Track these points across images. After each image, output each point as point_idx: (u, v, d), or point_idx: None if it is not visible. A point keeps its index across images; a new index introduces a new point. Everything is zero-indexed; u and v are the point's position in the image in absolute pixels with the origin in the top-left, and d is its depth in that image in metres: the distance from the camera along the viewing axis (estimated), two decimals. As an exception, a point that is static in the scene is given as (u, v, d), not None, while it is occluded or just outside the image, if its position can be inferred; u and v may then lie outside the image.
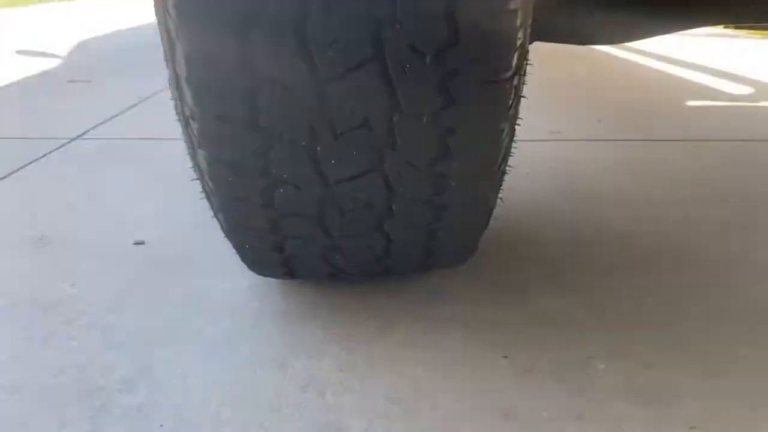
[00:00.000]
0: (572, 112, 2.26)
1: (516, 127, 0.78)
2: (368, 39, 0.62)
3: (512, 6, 0.62)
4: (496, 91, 0.67)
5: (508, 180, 0.88)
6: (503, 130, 0.71)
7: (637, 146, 1.83)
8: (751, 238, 1.21)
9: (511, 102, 0.70)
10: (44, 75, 2.96)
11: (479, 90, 0.66)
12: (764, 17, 0.99)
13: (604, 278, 1.06)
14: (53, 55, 3.52)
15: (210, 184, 0.75)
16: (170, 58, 0.69)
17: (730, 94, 2.61)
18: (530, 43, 0.90)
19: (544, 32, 0.97)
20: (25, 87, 2.69)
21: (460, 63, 0.63)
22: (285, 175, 0.71)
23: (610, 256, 1.14)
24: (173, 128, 0.88)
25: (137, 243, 1.21)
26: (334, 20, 0.61)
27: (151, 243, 1.21)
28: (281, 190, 0.72)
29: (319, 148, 0.68)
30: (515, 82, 0.68)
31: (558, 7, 0.93)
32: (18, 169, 1.60)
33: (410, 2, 0.60)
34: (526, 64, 0.73)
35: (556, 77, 2.90)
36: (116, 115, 2.16)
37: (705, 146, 1.83)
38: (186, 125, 0.72)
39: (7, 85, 2.70)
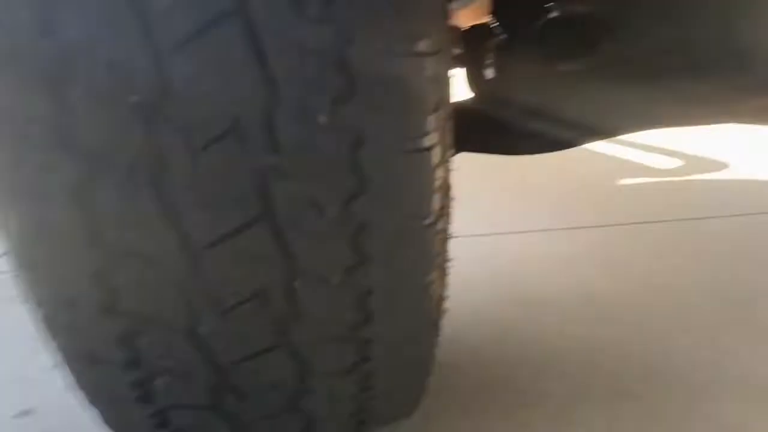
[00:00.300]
0: (488, 200, 2.17)
1: (447, 270, 0.65)
2: (251, 194, 0.49)
3: (426, 143, 0.50)
4: (416, 240, 0.55)
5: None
6: (431, 282, 0.58)
7: (570, 235, 1.74)
8: (719, 343, 1.11)
9: (436, 248, 0.57)
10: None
11: (396, 242, 0.53)
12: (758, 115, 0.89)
13: (566, 410, 0.92)
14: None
15: (73, 377, 0.59)
16: (4, 230, 0.54)
17: (661, 169, 2.60)
18: (456, 153, 0.80)
19: (471, 144, 0.87)
20: None
21: (370, 215, 0.51)
22: (161, 364, 0.56)
23: (572, 381, 1.00)
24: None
25: (23, 413, 1.02)
26: (202, 175, 0.47)
27: (39, 412, 1.01)
28: (160, 382, 0.57)
29: (201, 329, 0.54)
30: (439, 225, 0.56)
31: (487, 126, 0.83)
32: None
33: (300, 149, 0.48)
34: (451, 202, 0.61)
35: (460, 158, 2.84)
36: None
37: (646, 229, 1.76)
38: (35, 311, 0.57)
39: None
